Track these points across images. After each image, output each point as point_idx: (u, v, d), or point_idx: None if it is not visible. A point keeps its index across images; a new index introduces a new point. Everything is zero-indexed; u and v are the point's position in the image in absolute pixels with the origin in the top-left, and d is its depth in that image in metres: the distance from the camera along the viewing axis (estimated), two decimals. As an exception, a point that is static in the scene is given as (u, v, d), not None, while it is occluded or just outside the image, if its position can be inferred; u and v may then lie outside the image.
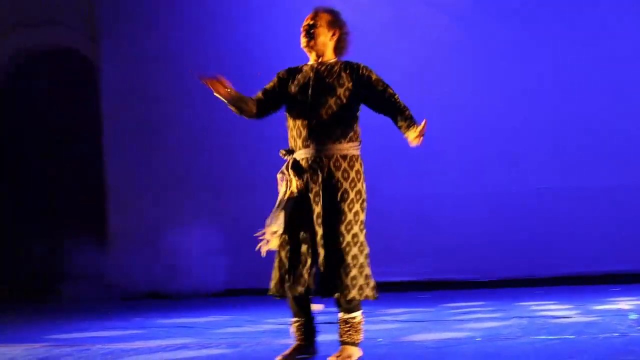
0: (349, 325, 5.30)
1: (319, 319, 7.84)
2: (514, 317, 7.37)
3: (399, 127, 5.37)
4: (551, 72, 10.95)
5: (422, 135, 5.26)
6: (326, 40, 5.43)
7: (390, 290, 10.55)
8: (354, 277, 5.19)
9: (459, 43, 11.07)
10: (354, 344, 5.31)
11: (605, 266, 10.58)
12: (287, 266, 5.25)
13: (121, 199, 12.04)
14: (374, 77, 5.38)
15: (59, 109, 12.81)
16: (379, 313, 8.27)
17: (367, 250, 5.34)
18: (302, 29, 5.45)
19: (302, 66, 5.51)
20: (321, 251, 5.18)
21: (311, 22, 5.42)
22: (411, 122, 5.31)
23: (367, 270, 5.31)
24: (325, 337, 5.62)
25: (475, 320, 7.33)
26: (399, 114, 5.36)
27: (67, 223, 12.56)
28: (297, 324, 5.44)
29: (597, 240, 10.64)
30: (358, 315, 5.34)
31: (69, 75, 12.89)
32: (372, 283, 5.35)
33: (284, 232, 5.25)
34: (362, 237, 5.31)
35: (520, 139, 10.95)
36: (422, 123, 5.24)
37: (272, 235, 5.24)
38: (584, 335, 6.00)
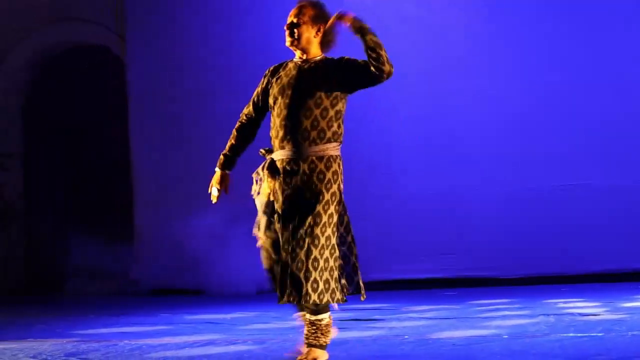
0: (315, 327, 5.17)
1: (344, 315, 7.87)
2: (541, 315, 7.33)
3: (369, 61, 5.03)
4: (574, 69, 10.88)
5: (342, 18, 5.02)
6: (310, 36, 5.21)
7: (416, 288, 10.54)
8: (326, 281, 5.02)
9: (481, 40, 11.02)
10: (320, 346, 5.16)
11: (633, 263, 10.51)
12: (268, 269, 5.17)
13: (148, 195, 12.08)
14: (358, 61, 5.10)
15: (88, 104, 12.88)
16: (405, 310, 8.26)
17: (337, 253, 5.11)
18: (285, 27, 5.25)
19: (288, 62, 5.31)
20: (289, 255, 5.01)
21: (295, 20, 5.21)
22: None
23: (336, 274, 5.08)
24: (352, 334, 5.62)
25: (501, 318, 7.30)
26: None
27: (94, 218, 12.64)
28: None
29: (625, 237, 10.57)
30: (325, 317, 5.18)
31: (98, 72, 12.97)
32: (340, 285, 5.11)
33: (263, 235, 5.14)
34: (333, 240, 5.11)
35: (545, 135, 10.89)
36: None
37: (259, 237, 5.20)
38: (612, 333, 5.95)
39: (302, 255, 5.00)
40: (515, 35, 11.01)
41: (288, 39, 5.24)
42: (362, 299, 5.26)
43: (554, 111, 10.90)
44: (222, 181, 5.34)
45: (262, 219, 5.17)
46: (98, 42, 13.09)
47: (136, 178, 12.21)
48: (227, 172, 5.37)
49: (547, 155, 10.85)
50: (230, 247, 10.90)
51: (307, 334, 5.18)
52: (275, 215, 5.13)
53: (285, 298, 5.03)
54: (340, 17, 5.06)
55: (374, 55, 4.99)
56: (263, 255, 5.21)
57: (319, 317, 5.17)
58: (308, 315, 5.18)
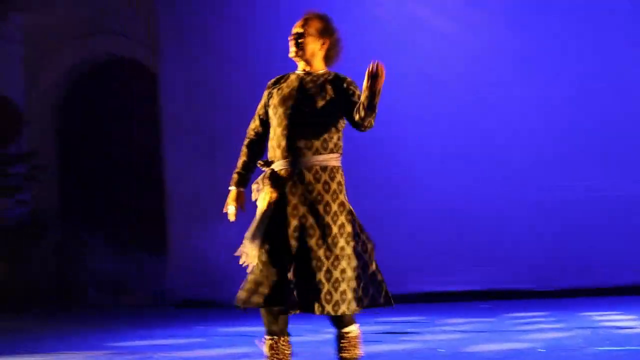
0: (346, 340, 5.11)
1: (378, 328, 7.83)
2: (576, 328, 7.27)
3: (358, 111, 4.98)
4: (606, 76, 10.79)
5: (374, 76, 4.84)
6: (315, 49, 5.20)
7: (450, 300, 10.47)
8: (343, 292, 4.95)
9: (510, 43, 10.95)
10: (353, 359, 5.13)
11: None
12: (260, 279, 5.03)
13: (179, 207, 12.10)
14: (358, 92, 5.08)
15: (120, 117, 12.95)
16: (439, 323, 8.21)
17: (354, 262, 5.06)
18: (290, 37, 5.23)
19: (290, 74, 5.29)
20: (299, 266, 4.95)
21: (300, 31, 5.19)
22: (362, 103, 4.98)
23: (355, 284, 5.01)
24: (386, 347, 5.60)
25: (537, 331, 7.24)
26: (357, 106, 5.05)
27: (127, 229, 12.69)
28: (270, 341, 5.10)
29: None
30: (354, 329, 5.13)
31: (130, 84, 13.04)
32: (358, 296, 5.04)
33: (262, 245, 5.06)
34: (348, 250, 5.04)
35: (581, 143, 10.79)
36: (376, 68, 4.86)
37: (250, 248, 5.13)
38: (649, 347, 5.90)
39: (314, 267, 4.97)
40: (559, 38, 10.92)
41: (292, 49, 5.21)
42: (391, 306, 5.16)
43: (590, 117, 10.81)
44: (238, 198, 5.30)
45: (257, 228, 5.12)
46: (131, 55, 13.17)
47: (168, 190, 12.24)
48: (241, 189, 5.32)
49: (583, 164, 10.76)
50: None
51: (338, 349, 5.13)
52: (278, 227, 5.04)
53: (295, 308, 4.99)
54: (375, 73, 4.86)
55: (368, 116, 4.94)
56: (257, 267, 5.13)
57: (347, 329, 5.13)
58: (336, 330, 5.13)
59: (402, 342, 6.89)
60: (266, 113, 5.30)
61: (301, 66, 5.25)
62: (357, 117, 4.98)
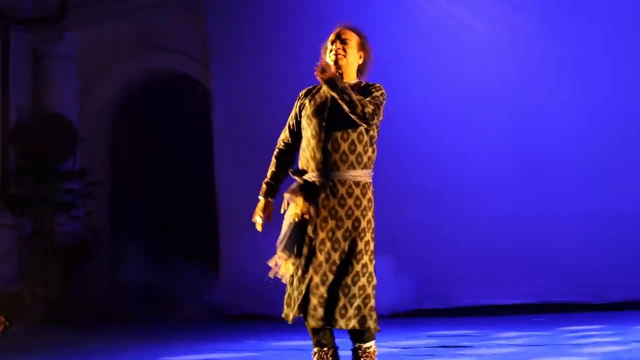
0: (366, 355, 5.13)
1: (431, 342, 7.77)
2: (633, 341, 7.14)
3: None
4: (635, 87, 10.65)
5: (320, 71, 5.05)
6: (354, 61, 5.29)
7: (505, 314, 10.36)
8: (357, 307, 5.00)
9: (553, 50, 10.84)
10: None
11: None
12: (294, 293, 5.10)
13: (232, 221, 12.11)
14: (374, 92, 5.18)
15: (172, 132, 13.03)
16: (494, 337, 8.12)
17: (374, 281, 5.10)
18: (329, 44, 5.29)
19: (321, 86, 5.30)
20: (319, 277, 5.00)
21: (343, 39, 5.27)
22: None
23: (372, 302, 5.06)
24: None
25: (593, 345, 7.13)
26: None
27: (178, 243, 12.75)
28: (318, 353, 5.19)
29: None
30: (372, 345, 5.15)
31: (182, 100, 13.13)
32: (374, 315, 5.09)
33: (294, 256, 5.11)
34: (370, 268, 5.09)
35: (632, 153, 10.65)
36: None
37: (282, 260, 5.13)
38: None
39: (333, 280, 4.98)
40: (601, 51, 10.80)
41: (336, 56, 5.25)
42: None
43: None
44: (266, 209, 5.37)
45: (288, 239, 5.12)
46: (182, 70, 13.27)
47: (220, 204, 12.28)
48: (270, 199, 5.37)
49: (631, 178, 10.60)
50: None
51: None
52: (307, 238, 5.08)
53: (311, 321, 5.01)
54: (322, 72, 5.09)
55: (350, 111, 5.07)
56: (291, 280, 5.14)
57: (368, 344, 5.13)
58: (355, 344, 5.13)
59: (457, 356, 6.83)
60: (297, 124, 5.35)
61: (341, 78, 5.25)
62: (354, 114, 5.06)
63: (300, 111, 5.34)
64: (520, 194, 10.75)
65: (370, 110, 5.06)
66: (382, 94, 5.20)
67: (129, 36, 13.36)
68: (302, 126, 5.29)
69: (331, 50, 5.28)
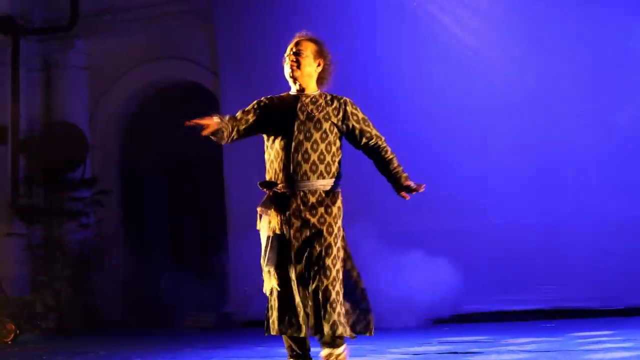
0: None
1: (441, 348, 7.75)
2: (645, 347, 7.11)
3: (385, 172, 5.30)
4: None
5: (412, 192, 5.17)
6: (312, 70, 5.31)
7: (514, 319, 10.34)
8: (339, 313, 5.06)
9: (581, 60, 10.81)
10: None
11: None
12: (279, 305, 5.17)
13: (242, 228, 12.10)
14: (360, 115, 5.27)
15: (182, 140, 13.04)
16: (504, 343, 8.09)
17: (346, 285, 5.18)
18: (286, 57, 5.32)
19: (284, 96, 5.36)
20: (304, 289, 5.06)
21: (296, 50, 5.31)
22: (401, 173, 5.27)
23: (347, 306, 5.15)
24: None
25: (604, 351, 7.10)
26: (387, 161, 5.29)
27: (189, 252, 12.76)
28: None
29: None
30: (342, 349, 5.18)
31: (192, 108, 13.12)
32: (361, 318, 5.22)
33: (275, 271, 5.15)
34: (342, 273, 5.15)
35: (637, 162, 10.61)
36: (421, 189, 5.22)
37: (268, 275, 5.16)
38: None
39: (313, 287, 5.00)
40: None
41: (289, 69, 5.30)
42: (369, 334, 5.29)
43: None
44: (210, 120, 5.45)
45: (270, 253, 5.14)
46: (192, 78, 13.30)
47: (230, 212, 12.29)
48: (220, 119, 5.46)
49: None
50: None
51: None
52: (284, 249, 5.14)
53: (302, 331, 5.05)
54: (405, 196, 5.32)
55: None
56: (274, 293, 5.17)
57: (339, 350, 5.15)
58: (326, 350, 5.17)
59: (467, 362, 6.82)
60: (247, 124, 5.46)
61: (295, 87, 5.34)
62: (387, 174, 5.29)
63: (259, 118, 5.40)
64: (530, 202, 10.73)
65: (382, 137, 5.34)
66: (360, 110, 5.36)
67: (139, 45, 13.39)
68: (267, 139, 5.36)
69: (287, 63, 5.34)
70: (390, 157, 5.27)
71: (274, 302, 5.17)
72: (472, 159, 10.93)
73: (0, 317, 10.70)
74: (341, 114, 5.23)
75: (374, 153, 5.31)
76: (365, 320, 5.23)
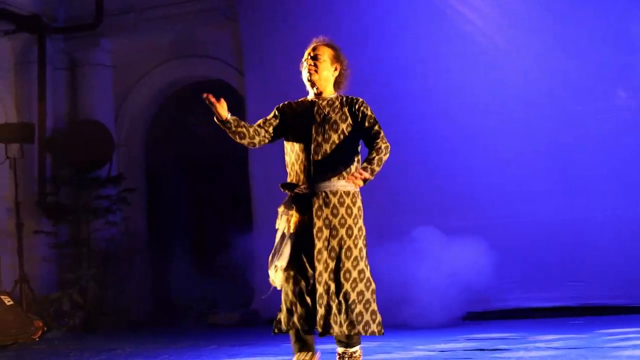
0: (351, 359, 5.27)
1: (468, 345, 7.74)
2: (674, 344, 7.07)
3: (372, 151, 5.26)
4: None
5: (357, 179, 5.08)
6: (329, 75, 5.42)
7: (541, 317, 10.30)
8: (359, 314, 5.13)
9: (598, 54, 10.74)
10: None
11: None
12: (292, 302, 5.20)
13: (267, 226, 12.09)
14: (368, 113, 5.32)
15: (207, 138, 13.08)
16: (532, 340, 8.07)
17: (373, 286, 5.24)
18: (304, 61, 5.43)
19: (302, 100, 5.48)
20: (322, 287, 5.10)
21: (314, 55, 5.41)
22: (366, 163, 5.17)
23: (373, 306, 5.22)
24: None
25: (633, 347, 7.06)
26: (368, 153, 5.25)
27: (215, 250, 12.78)
28: (308, 357, 5.32)
29: None
30: (358, 349, 5.29)
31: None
32: (378, 318, 5.25)
33: (289, 267, 5.19)
34: (367, 273, 5.23)
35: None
36: (360, 177, 5.06)
37: (274, 271, 5.19)
38: None
39: (333, 288, 5.05)
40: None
41: (307, 73, 5.41)
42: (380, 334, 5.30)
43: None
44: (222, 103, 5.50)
45: (284, 250, 5.17)
46: (217, 76, 13.32)
47: (255, 210, 12.30)
48: (228, 115, 5.50)
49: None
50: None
51: None
52: (304, 249, 5.19)
53: (319, 330, 5.10)
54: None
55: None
56: (285, 285, 5.20)
57: (355, 349, 5.22)
58: (341, 349, 5.29)
59: (494, 359, 6.80)
60: (270, 129, 5.48)
61: (313, 92, 5.45)
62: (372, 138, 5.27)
63: (280, 122, 5.47)
64: (558, 198, 10.67)
65: (385, 140, 5.29)
66: (371, 110, 5.40)
67: (164, 43, 13.43)
68: (287, 142, 5.43)
69: (305, 68, 5.45)
70: (373, 153, 5.22)
71: (283, 299, 5.25)
72: (495, 158, 10.89)
73: (28, 315, 10.76)
74: (353, 112, 5.32)
75: (370, 148, 5.32)
76: (376, 320, 5.26)
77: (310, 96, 5.46)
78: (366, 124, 5.30)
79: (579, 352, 7.01)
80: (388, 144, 5.28)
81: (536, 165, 10.81)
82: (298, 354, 5.33)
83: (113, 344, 9.82)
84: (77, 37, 13.50)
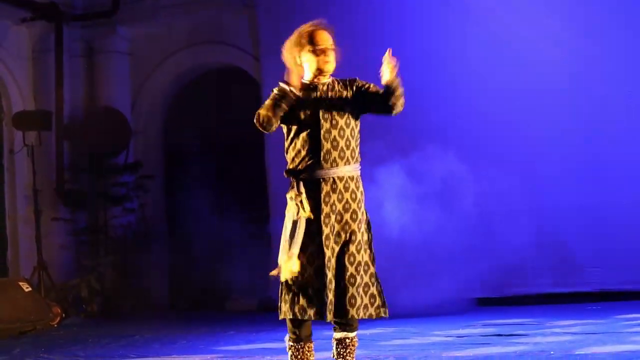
0: (351, 344, 5.25)
1: (486, 330, 7.74)
2: (692, 329, 7.05)
3: (384, 98, 5.20)
4: None
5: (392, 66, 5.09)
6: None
7: (559, 302, 10.28)
8: (372, 296, 5.18)
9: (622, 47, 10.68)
10: None
11: None
12: (300, 288, 5.20)
13: (283, 210, 12.12)
14: (366, 83, 5.32)
15: (224, 125, 13.09)
16: (549, 325, 8.07)
17: (372, 269, 5.22)
18: (323, 50, 5.37)
19: (302, 86, 5.39)
20: (331, 273, 5.09)
21: (331, 46, 5.40)
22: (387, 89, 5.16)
23: (375, 289, 5.21)
24: (495, 349, 5.49)
25: (650, 333, 7.05)
26: (382, 93, 5.21)
27: (232, 237, 12.80)
28: (296, 347, 5.34)
29: None
30: (355, 334, 5.28)
31: (234, 93, 13.18)
32: (378, 301, 5.23)
33: (300, 255, 5.18)
34: (369, 257, 5.23)
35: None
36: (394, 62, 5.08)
37: (290, 258, 5.17)
38: None
39: (341, 273, 5.05)
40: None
41: (332, 65, 5.37)
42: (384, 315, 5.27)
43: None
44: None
45: (297, 237, 5.16)
46: (234, 63, 13.31)
47: (272, 196, 12.31)
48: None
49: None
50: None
51: (343, 352, 5.26)
52: (311, 235, 5.18)
53: (329, 316, 5.10)
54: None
55: (401, 96, 5.17)
56: (296, 277, 5.21)
57: (353, 334, 5.27)
58: (340, 334, 5.25)
59: (512, 345, 6.80)
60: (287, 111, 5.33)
61: (315, 77, 5.38)
62: (390, 102, 5.14)
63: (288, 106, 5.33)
64: (575, 185, 10.63)
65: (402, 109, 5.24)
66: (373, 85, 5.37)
67: (181, 30, 13.42)
68: (293, 129, 5.35)
69: (323, 57, 5.39)
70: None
71: (292, 286, 5.23)
72: (519, 143, 10.85)
73: (47, 301, 10.82)
74: (354, 89, 5.30)
75: (377, 97, 5.28)
76: (382, 302, 5.25)
77: (306, 80, 5.39)
78: (370, 87, 5.27)
79: (597, 337, 7.01)
80: None
81: (554, 152, 10.78)
82: (292, 342, 5.33)
83: (131, 330, 9.87)
84: (94, 24, 13.51)
